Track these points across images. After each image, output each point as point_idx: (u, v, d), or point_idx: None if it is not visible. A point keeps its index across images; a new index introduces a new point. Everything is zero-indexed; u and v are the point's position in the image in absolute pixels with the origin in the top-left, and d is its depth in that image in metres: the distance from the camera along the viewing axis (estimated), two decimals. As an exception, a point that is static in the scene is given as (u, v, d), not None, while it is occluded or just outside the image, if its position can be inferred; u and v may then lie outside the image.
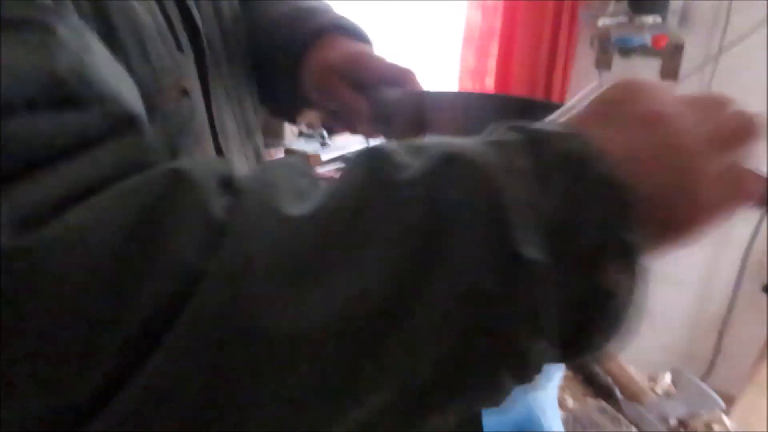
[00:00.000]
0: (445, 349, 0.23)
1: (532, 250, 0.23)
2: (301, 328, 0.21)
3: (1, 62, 0.22)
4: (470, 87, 2.18)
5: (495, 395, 0.25)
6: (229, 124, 0.51)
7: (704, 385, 0.93)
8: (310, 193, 0.25)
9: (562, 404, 0.89)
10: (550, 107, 0.45)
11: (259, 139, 0.59)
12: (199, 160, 0.29)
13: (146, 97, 0.33)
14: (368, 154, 0.26)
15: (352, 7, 2.80)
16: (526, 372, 0.24)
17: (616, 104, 0.31)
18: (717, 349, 1.98)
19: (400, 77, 0.51)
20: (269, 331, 0.21)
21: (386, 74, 0.51)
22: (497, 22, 2.04)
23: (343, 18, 0.57)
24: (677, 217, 0.28)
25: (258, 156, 0.58)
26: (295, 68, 0.54)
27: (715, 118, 0.30)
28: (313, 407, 0.22)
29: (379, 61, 0.51)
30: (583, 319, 0.25)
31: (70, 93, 0.24)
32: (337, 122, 0.58)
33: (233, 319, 0.21)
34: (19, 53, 0.23)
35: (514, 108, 0.47)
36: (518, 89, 2.05)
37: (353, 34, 0.56)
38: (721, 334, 1.96)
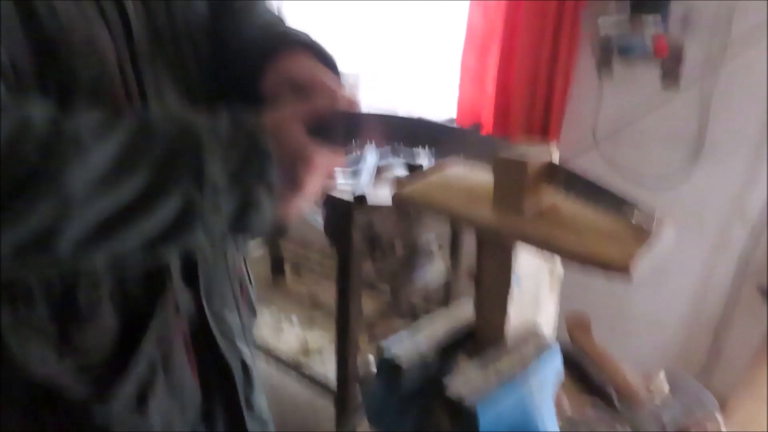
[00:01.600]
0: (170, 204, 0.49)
1: (215, 178, 0.50)
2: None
3: None
4: (471, 88, 2.18)
5: (194, 240, 0.51)
6: (164, 80, 0.65)
7: (699, 386, 0.93)
8: (110, 125, 0.49)
9: (557, 404, 0.89)
10: (456, 134, 0.63)
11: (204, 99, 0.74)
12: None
13: (56, 39, 0.53)
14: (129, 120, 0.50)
15: (355, 8, 2.79)
16: (211, 235, 0.52)
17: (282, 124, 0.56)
18: (712, 351, 1.99)
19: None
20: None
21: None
22: (499, 24, 2.04)
23: (316, 42, 0.70)
24: (294, 177, 0.56)
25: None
26: (262, 71, 0.66)
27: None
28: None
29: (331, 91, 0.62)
30: (242, 215, 0.52)
31: None
32: None
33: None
34: None
35: (425, 130, 0.60)
36: (519, 91, 2.05)
37: (321, 56, 0.67)
38: (716, 336, 1.97)
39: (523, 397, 0.61)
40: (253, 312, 0.89)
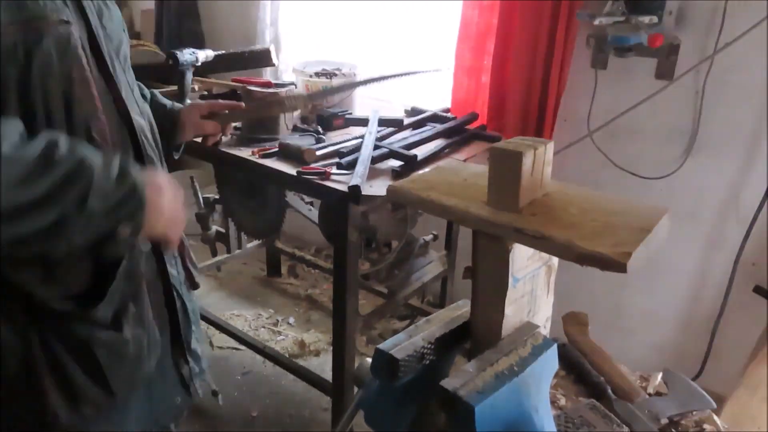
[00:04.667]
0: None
1: (94, 206, 0.73)
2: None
3: None
4: (466, 84, 2.19)
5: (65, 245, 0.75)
6: (116, 63, 0.93)
7: (695, 385, 0.94)
8: (26, 146, 0.72)
9: (554, 403, 0.90)
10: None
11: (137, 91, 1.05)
12: None
13: (33, 19, 0.76)
14: (46, 143, 0.73)
15: (349, 7, 2.78)
16: (71, 242, 0.75)
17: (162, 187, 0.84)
18: (709, 350, 2.00)
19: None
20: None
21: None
22: (494, 20, 2.04)
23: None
24: (155, 222, 0.82)
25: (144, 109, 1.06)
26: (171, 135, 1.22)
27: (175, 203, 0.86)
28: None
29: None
30: (106, 241, 0.77)
31: None
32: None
33: None
34: None
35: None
36: (514, 87, 2.06)
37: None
38: (712, 335, 1.99)
39: (519, 396, 0.62)
40: (193, 265, 1.18)
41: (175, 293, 1.07)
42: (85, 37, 0.85)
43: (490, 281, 0.64)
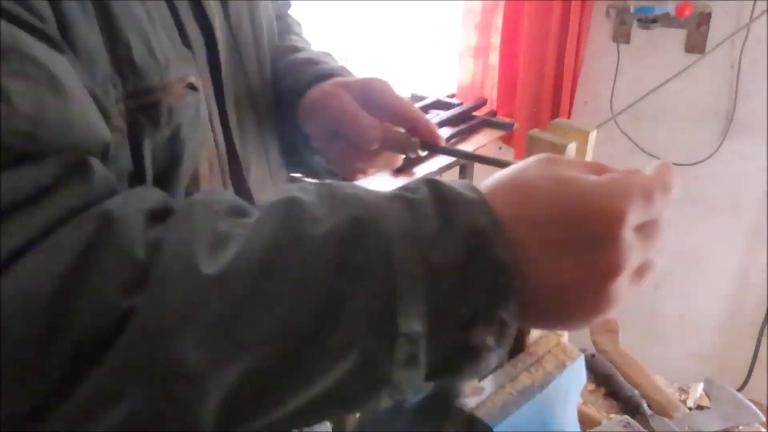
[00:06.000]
0: (340, 387, 0.35)
1: (411, 324, 0.34)
2: (205, 365, 0.32)
3: None
4: (472, 66, 2.19)
5: (375, 404, 0.36)
6: (248, 125, 0.62)
7: (741, 396, 0.94)
8: (228, 241, 0.35)
9: (584, 421, 0.90)
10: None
11: (275, 152, 0.71)
12: (133, 194, 0.38)
13: (151, 90, 0.46)
14: (286, 200, 0.36)
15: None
16: (400, 395, 0.36)
17: (549, 191, 0.37)
18: (754, 357, 2.01)
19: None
20: (179, 364, 0.32)
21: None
22: (501, -7, 2.05)
23: (338, 67, 0.68)
24: (569, 310, 0.37)
25: (276, 166, 0.71)
26: (296, 114, 0.66)
27: (650, 236, 0.39)
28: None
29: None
30: (451, 363, 0.36)
31: (24, 150, 0.34)
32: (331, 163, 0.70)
33: (154, 353, 0.32)
34: None
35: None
36: (526, 67, 2.06)
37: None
38: (758, 340, 1.99)
39: (544, 415, 0.62)
40: None
41: None
42: (210, 86, 0.56)
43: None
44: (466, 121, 1.93)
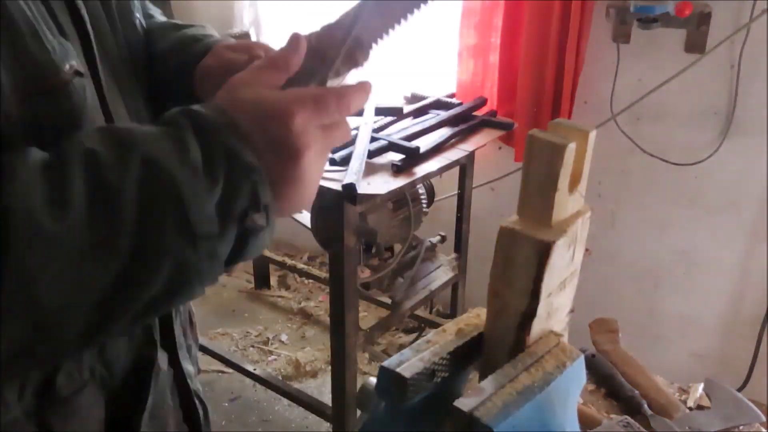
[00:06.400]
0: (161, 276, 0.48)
1: (204, 226, 0.47)
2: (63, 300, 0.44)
3: None
4: (471, 66, 2.19)
5: (191, 294, 0.51)
6: (120, 109, 0.67)
7: (741, 396, 0.94)
8: (61, 197, 0.44)
9: (584, 421, 0.90)
10: None
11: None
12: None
13: (44, 77, 0.52)
14: (86, 156, 0.46)
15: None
16: (210, 283, 0.51)
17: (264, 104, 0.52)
18: (755, 357, 2.01)
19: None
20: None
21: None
22: (501, -7, 2.05)
23: (223, 40, 0.78)
24: (289, 192, 0.53)
25: None
26: (190, 92, 0.74)
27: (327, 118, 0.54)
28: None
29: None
30: (239, 249, 0.51)
31: None
32: None
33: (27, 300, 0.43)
34: None
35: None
36: (526, 67, 2.06)
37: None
38: (758, 341, 1.99)
39: (543, 415, 0.62)
40: (195, 341, 0.90)
41: (196, 400, 0.84)
42: (87, 69, 0.60)
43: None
44: (466, 121, 1.93)
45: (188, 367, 0.81)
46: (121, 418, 0.69)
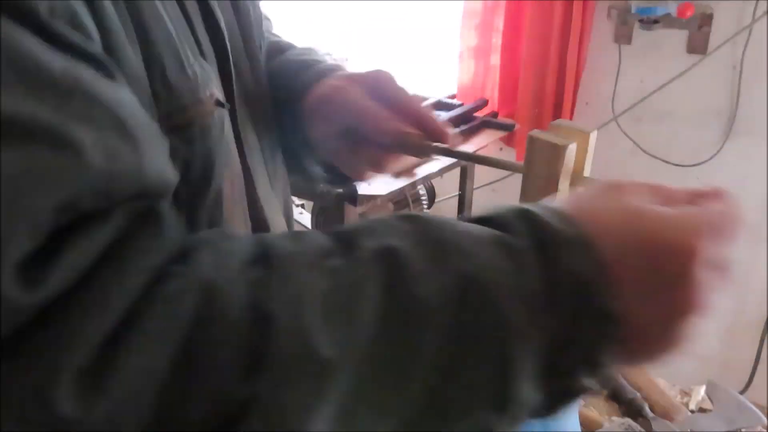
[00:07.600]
0: None
1: (523, 389, 0.33)
2: None
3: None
4: (473, 67, 2.19)
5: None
6: (251, 137, 0.57)
7: (743, 399, 0.94)
8: (337, 306, 0.31)
9: (586, 423, 0.90)
10: None
11: (280, 163, 0.66)
12: (219, 249, 0.33)
13: (184, 109, 0.42)
14: (385, 255, 0.33)
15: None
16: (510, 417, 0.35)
17: (638, 218, 0.35)
18: (757, 359, 2.00)
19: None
20: None
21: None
22: (502, -6, 2.05)
23: (334, 64, 0.64)
24: (649, 348, 0.38)
25: (281, 178, 0.66)
26: (297, 118, 0.61)
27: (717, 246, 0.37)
28: None
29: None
30: (550, 406, 0.36)
31: (95, 210, 0.29)
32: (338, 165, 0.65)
33: None
34: (34, 175, 0.27)
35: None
36: (528, 68, 2.06)
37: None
38: (760, 343, 1.98)
39: (544, 419, 0.61)
40: None
41: None
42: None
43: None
44: (467, 122, 1.92)
45: None
46: None
